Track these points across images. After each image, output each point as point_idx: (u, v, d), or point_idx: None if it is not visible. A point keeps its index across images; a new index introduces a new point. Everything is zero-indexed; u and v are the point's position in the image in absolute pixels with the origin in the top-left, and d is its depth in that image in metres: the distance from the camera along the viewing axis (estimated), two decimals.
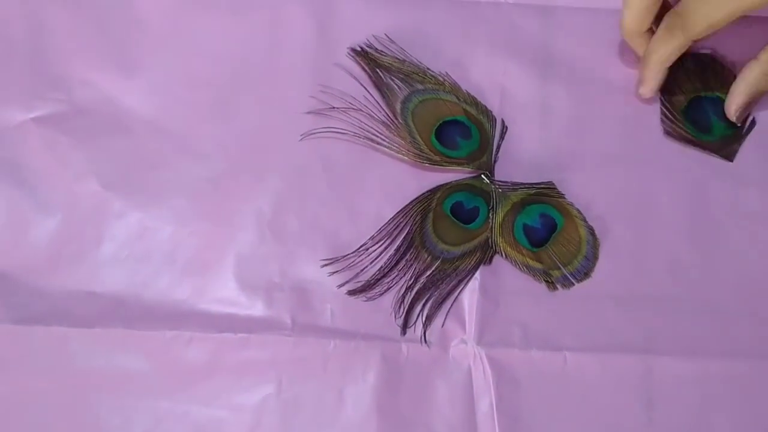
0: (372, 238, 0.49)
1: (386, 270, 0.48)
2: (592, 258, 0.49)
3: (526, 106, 0.51)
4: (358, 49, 0.51)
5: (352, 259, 0.49)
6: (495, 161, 0.50)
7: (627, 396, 0.48)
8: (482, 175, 0.50)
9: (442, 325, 0.48)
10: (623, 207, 0.50)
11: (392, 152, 0.50)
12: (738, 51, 0.51)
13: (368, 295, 0.48)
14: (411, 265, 0.49)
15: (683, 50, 0.47)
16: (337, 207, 0.50)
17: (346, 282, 0.48)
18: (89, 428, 0.46)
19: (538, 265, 0.49)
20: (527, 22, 0.52)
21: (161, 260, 0.49)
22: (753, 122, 0.51)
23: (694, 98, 0.51)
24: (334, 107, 0.50)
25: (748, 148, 0.51)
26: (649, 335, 0.48)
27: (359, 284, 0.48)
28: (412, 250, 0.49)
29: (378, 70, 0.51)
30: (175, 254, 0.49)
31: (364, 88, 0.51)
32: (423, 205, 0.49)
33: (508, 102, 0.51)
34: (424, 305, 0.48)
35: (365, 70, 0.51)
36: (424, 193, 0.49)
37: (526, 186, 0.50)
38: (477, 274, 0.49)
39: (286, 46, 0.52)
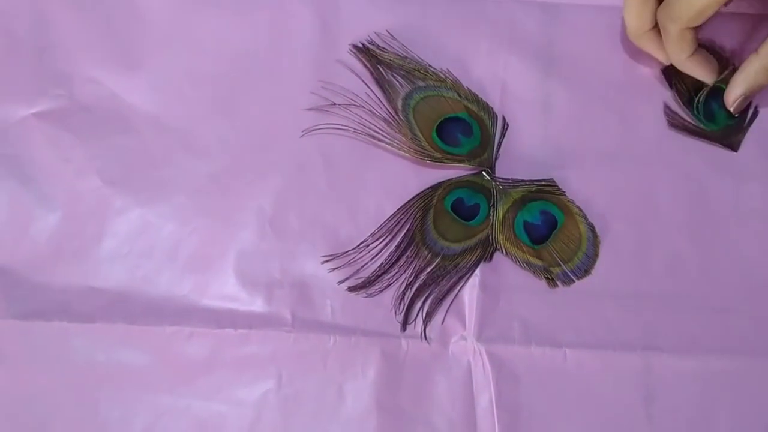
0: (372, 234, 0.49)
1: (387, 266, 0.49)
2: (592, 255, 0.49)
3: (527, 103, 0.51)
4: (360, 45, 0.51)
5: (353, 256, 0.49)
6: (496, 158, 0.50)
7: (627, 393, 0.48)
8: (483, 172, 0.50)
9: (442, 322, 0.48)
10: (624, 204, 0.50)
11: (393, 149, 0.50)
12: (738, 42, 0.52)
13: (369, 292, 0.48)
14: (411, 261, 0.49)
15: (687, 40, 0.47)
16: (338, 203, 0.50)
17: (347, 278, 0.48)
18: (90, 423, 0.46)
19: (538, 262, 0.49)
20: (529, 19, 0.52)
21: (162, 256, 0.49)
22: (756, 112, 0.51)
23: (697, 88, 0.51)
24: (335, 104, 0.50)
25: (749, 144, 0.51)
26: (649, 332, 0.49)
27: (360, 280, 0.48)
28: (412, 247, 0.49)
29: (379, 67, 0.51)
30: (177, 250, 0.49)
31: (366, 84, 0.51)
32: (424, 202, 0.49)
33: (509, 99, 0.51)
34: (424, 302, 0.48)
35: (367, 67, 0.51)
36: (424, 190, 0.50)
37: (527, 183, 0.50)
38: (477, 271, 0.49)
39: (288, 42, 0.52)
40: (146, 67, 0.51)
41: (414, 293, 0.48)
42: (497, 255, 0.49)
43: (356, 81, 0.51)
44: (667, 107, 0.51)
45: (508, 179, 0.50)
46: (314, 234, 0.49)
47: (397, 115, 0.50)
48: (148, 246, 0.49)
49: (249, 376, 0.47)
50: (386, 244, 0.49)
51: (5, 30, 0.51)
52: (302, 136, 0.50)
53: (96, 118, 0.50)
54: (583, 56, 0.52)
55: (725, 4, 0.44)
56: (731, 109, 0.50)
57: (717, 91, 0.50)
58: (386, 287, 0.49)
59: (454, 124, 0.50)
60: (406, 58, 0.51)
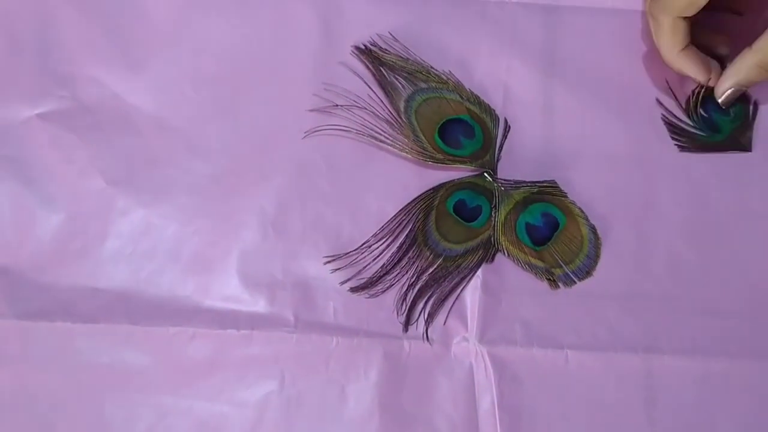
0: (375, 235, 0.49)
1: (389, 267, 0.49)
2: (594, 257, 0.49)
3: (529, 105, 0.51)
4: (363, 47, 0.52)
5: (355, 257, 0.49)
6: (498, 160, 0.50)
7: (628, 394, 0.48)
8: (485, 174, 0.50)
9: (444, 323, 0.49)
10: (625, 206, 0.50)
11: (395, 150, 0.50)
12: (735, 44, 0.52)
13: (371, 293, 0.48)
14: (413, 262, 0.49)
15: (680, 32, 0.47)
16: (340, 205, 0.50)
17: (349, 279, 0.49)
18: (93, 423, 0.46)
19: (540, 264, 0.49)
20: (531, 22, 0.52)
21: (165, 257, 0.49)
22: (756, 106, 0.51)
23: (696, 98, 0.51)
24: (337, 105, 0.51)
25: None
26: (650, 334, 0.49)
27: (362, 281, 0.49)
28: (414, 248, 0.49)
29: (382, 69, 0.51)
30: (179, 251, 0.49)
31: (368, 86, 0.51)
32: (426, 203, 0.49)
33: (511, 101, 0.51)
34: (426, 303, 0.48)
35: (369, 69, 0.51)
36: (426, 191, 0.50)
37: (529, 184, 0.50)
38: (479, 272, 0.49)
39: (291, 44, 0.52)
40: (149, 69, 0.51)
41: (416, 294, 0.48)
42: (499, 256, 0.49)
43: (358, 82, 0.51)
44: (671, 134, 0.51)
45: (510, 181, 0.50)
46: (316, 235, 0.49)
47: (400, 117, 0.50)
48: (151, 247, 0.49)
49: (251, 377, 0.47)
50: (388, 245, 0.49)
51: (9, 31, 0.51)
52: (304, 137, 0.51)
53: (99, 119, 0.50)
54: (585, 58, 0.52)
55: None
56: (720, 102, 0.49)
57: (712, 99, 0.50)
58: (388, 288, 0.49)
59: (457, 126, 0.50)
60: (408, 59, 0.51)
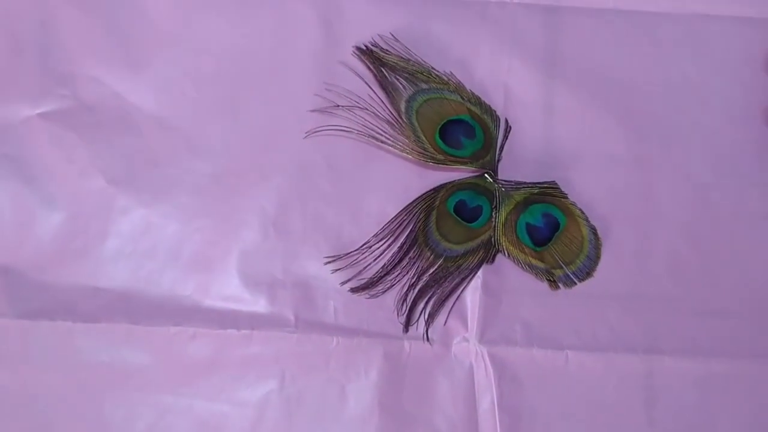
0: (375, 235, 0.49)
1: (389, 268, 0.49)
2: (594, 257, 0.49)
3: (530, 106, 0.51)
4: (363, 47, 0.52)
5: (356, 257, 0.49)
6: (498, 160, 0.50)
7: (628, 395, 0.48)
8: (486, 174, 0.50)
9: (445, 323, 0.49)
10: (626, 207, 0.50)
11: (396, 151, 0.50)
12: None
13: (371, 293, 0.49)
14: (414, 263, 0.49)
15: None
16: (341, 205, 0.50)
17: (349, 279, 0.49)
18: (93, 422, 0.46)
19: (540, 264, 0.49)
20: (532, 22, 0.52)
21: (165, 256, 0.49)
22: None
23: None
24: (338, 105, 0.51)
25: (750, 148, 0.51)
26: (650, 335, 0.49)
27: (362, 282, 0.49)
28: (415, 248, 0.49)
29: (383, 69, 0.51)
30: (180, 250, 0.49)
31: (369, 86, 0.51)
32: (426, 204, 0.49)
33: (512, 101, 0.51)
34: (426, 303, 0.49)
35: (370, 69, 0.51)
36: (427, 192, 0.50)
37: (530, 185, 0.50)
38: (479, 273, 0.49)
39: (292, 44, 0.52)
40: (150, 68, 0.51)
41: (416, 295, 0.48)
42: (499, 257, 0.49)
43: (359, 83, 0.51)
44: None
45: (511, 181, 0.50)
46: (317, 235, 0.49)
47: (400, 118, 0.50)
48: (151, 246, 0.49)
49: (252, 376, 0.47)
50: (389, 246, 0.49)
51: (10, 31, 0.51)
52: (305, 137, 0.51)
53: (100, 118, 0.50)
54: (586, 59, 0.52)
55: None
56: None
57: None
58: (389, 288, 0.49)
59: (457, 127, 0.50)
60: (409, 60, 0.51)
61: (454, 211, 0.50)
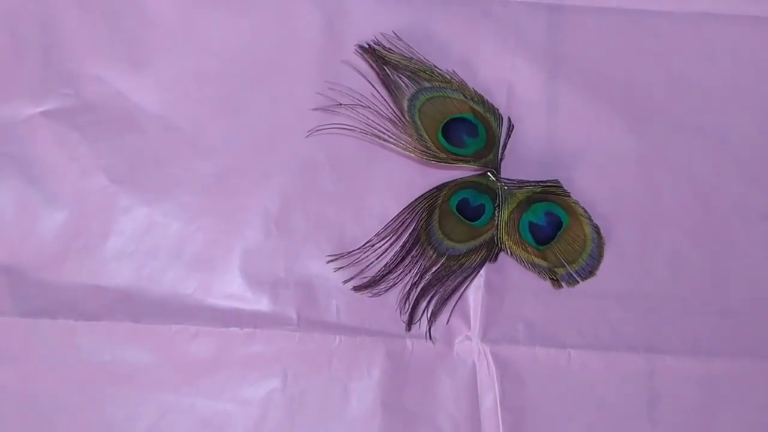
0: (378, 234, 0.49)
1: (392, 266, 0.49)
2: (597, 256, 0.49)
3: (532, 105, 0.51)
4: (366, 46, 0.51)
5: (358, 256, 0.49)
6: (501, 159, 0.50)
7: (630, 394, 0.48)
8: (488, 173, 0.50)
9: (447, 322, 0.49)
10: (629, 206, 0.50)
11: (399, 149, 0.50)
12: None
13: (374, 291, 0.49)
14: (416, 261, 0.49)
15: None
16: (343, 203, 0.50)
17: (352, 278, 0.49)
18: (95, 421, 0.47)
19: (543, 263, 0.49)
20: (535, 21, 0.52)
21: (168, 255, 0.49)
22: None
23: None
24: (341, 104, 0.51)
25: (753, 147, 0.51)
26: (653, 334, 0.49)
27: (365, 280, 0.49)
28: (417, 247, 0.49)
29: (385, 68, 0.51)
30: (182, 249, 0.49)
31: (372, 85, 0.51)
32: (429, 202, 0.49)
33: (515, 100, 0.51)
34: (429, 302, 0.48)
35: (373, 68, 0.51)
36: (430, 190, 0.50)
37: (532, 184, 0.50)
38: (482, 271, 0.49)
39: (295, 43, 0.52)
40: (153, 67, 0.51)
41: (419, 293, 0.48)
42: (502, 256, 0.49)
43: (362, 81, 0.51)
44: None
45: (513, 180, 0.50)
46: (319, 234, 0.49)
47: (403, 116, 0.50)
48: (153, 245, 0.49)
49: (254, 375, 0.47)
50: (391, 244, 0.49)
51: (12, 30, 0.51)
52: (308, 136, 0.51)
53: (102, 117, 0.50)
54: (589, 58, 0.52)
55: None
56: None
57: None
58: (391, 287, 0.49)
59: (460, 125, 0.50)
60: (411, 58, 0.51)
61: (457, 210, 0.50)
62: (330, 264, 0.49)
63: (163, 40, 0.51)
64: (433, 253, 0.49)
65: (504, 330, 0.48)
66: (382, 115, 0.50)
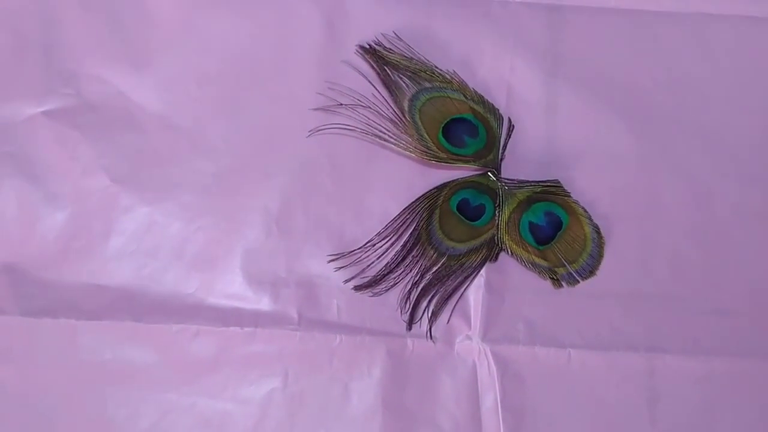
0: (378, 234, 0.49)
1: (392, 266, 0.49)
2: (597, 256, 0.50)
3: (532, 105, 0.51)
4: (367, 46, 0.52)
5: (359, 255, 0.49)
6: (501, 159, 0.50)
7: (631, 394, 0.48)
8: (489, 173, 0.50)
9: (448, 321, 0.49)
10: (628, 206, 0.50)
11: (399, 149, 0.50)
12: None
13: (374, 291, 0.49)
14: (417, 261, 0.49)
15: None
16: (344, 203, 0.50)
17: (353, 277, 0.49)
18: (96, 420, 0.47)
19: (543, 263, 0.49)
20: (534, 21, 0.52)
21: (169, 254, 0.49)
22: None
23: None
24: (341, 104, 0.51)
25: (753, 147, 0.51)
26: (653, 333, 0.49)
27: (365, 280, 0.49)
28: (418, 247, 0.49)
29: (386, 68, 0.51)
30: (183, 249, 0.49)
31: (372, 85, 0.51)
32: (429, 202, 0.50)
33: (514, 100, 0.52)
34: (429, 301, 0.49)
35: (373, 68, 0.51)
36: (430, 190, 0.50)
37: (532, 184, 0.50)
38: (483, 271, 0.49)
39: (295, 43, 0.52)
40: (154, 67, 0.51)
41: (419, 293, 0.49)
42: (502, 255, 0.49)
43: (362, 82, 0.51)
44: None
45: (514, 180, 0.50)
46: (320, 233, 0.49)
47: (404, 116, 0.50)
48: (154, 244, 0.49)
49: (255, 374, 0.47)
50: (392, 244, 0.49)
51: (14, 29, 0.51)
52: (308, 136, 0.51)
53: (103, 116, 0.50)
54: (589, 58, 0.52)
55: None
56: None
57: None
58: (392, 287, 0.49)
59: (460, 125, 0.51)
60: (412, 59, 0.51)
61: (457, 210, 0.50)
62: (331, 263, 0.49)
63: (164, 40, 0.52)
64: (434, 253, 0.49)
65: (504, 330, 0.48)
66: (382, 115, 0.50)
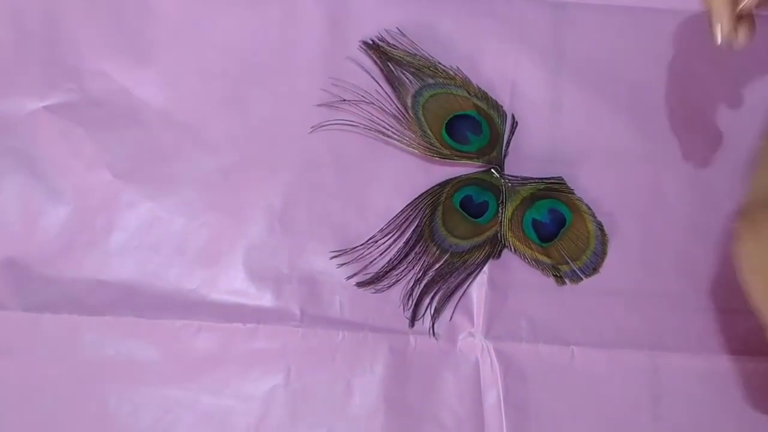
0: (381, 230, 0.49)
1: (395, 262, 0.49)
2: (600, 253, 0.49)
3: (536, 102, 0.51)
4: (370, 42, 0.52)
5: (361, 252, 0.49)
6: (505, 156, 0.50)
7: (633, 391, 0.48)
8: (492, 170, 0.50)
9: (450, 318, 0.49)
10: (632, 203, 0.50)
11: (402, 146, 0.50)
12: None
13: (377, 288, 0.49)
14: (420, 258, 0.49)
15: None
16: (347, 199, 0.50)
17: (355, 274, 0.49)
18: (98, 416, 0.46)
19: (546, 260, 0.49)
20: (539, 18, 0.52)
21: (171, 250, 0.49)
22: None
23: None
24: (345, 100, 0.51)
25: (755, 142, 0.51)
26: (656, 331, 0.49)
27: (368, 276, 0.49)
28: (421, 243, 0.49)
29: (389, 64, 0.51)
30: (186, 244, 0.49)
31: (376, 81, 0.51)
32: (432, 199, 0.49)
33: (518, 97, 0.51)
34: (432, 298, 0.48)
35: (377, 64, 0.51)
36: (433, 187, 0.50)
37: (536, 181, 0.50)
38: (485, 268, 0.49)
39: (299, 39, 0.52)
40: (157, 62, 0.51)
41: (422, 290, 0.48)
42: (505, 252, 0.49)
43: (366, 78, 0.51)
44: None
45: (517, 177, 0.50)
46: (323, 229, 0.49)
47: (407, 112, 0.50)
48: (157, 240, 0.49)
49: (257, 370, 0.47)
50: (395, 241, 0.49)
51: (17, 24, 0.51)
52: (311, 132, 0.51)
53: (106, 112, 0.50)
54: (593, 55, 0.52)
55: None
56: (719, 41, 0.40)
57: None
58: (394, 283, 0.49)
59: (464, 122, 0.50)
60: (415, 55, 0.51)
61: (461, 207, 0.50)
62: (333, 260, 0.49)
63: (168, 36, 0.52)
64: (437, 250, 0.49)
65: (507, 327, 0.48)
66: (385, 111, 0.50)
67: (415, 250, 0.49)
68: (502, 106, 0.51)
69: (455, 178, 0.50)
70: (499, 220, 0.50)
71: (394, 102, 0.51)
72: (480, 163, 0.50)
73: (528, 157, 0.51)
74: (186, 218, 0.49)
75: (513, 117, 0.51)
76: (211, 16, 0.52)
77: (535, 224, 0.50)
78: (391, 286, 0.49)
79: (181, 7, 0.52)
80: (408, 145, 0.50)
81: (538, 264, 0.49)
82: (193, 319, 0.48)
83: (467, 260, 0.49)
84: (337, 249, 0.49)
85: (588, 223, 0.50)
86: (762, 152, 0.41)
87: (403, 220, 0.49)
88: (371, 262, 0.49)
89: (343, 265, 0.49)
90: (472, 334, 0.48)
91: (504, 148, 0.50)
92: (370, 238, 0.49)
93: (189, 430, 0.46)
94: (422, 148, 0.50)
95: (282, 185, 0.50)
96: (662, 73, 0.52)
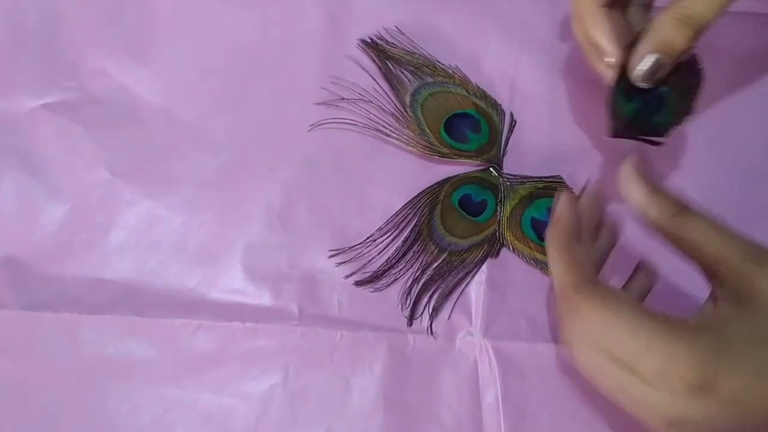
0: (380, 229, 0.49)
1: (394, 261, 0.49)
2: None
3: (535, 100, 0.51)
4: (369, 40, 0.51)
5: (360, 250, 0.49)
6: (504, 154, 0.50)
7: None
8: (491, 168, 0.50)
9: (449, 317, 0.49)
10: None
11: (401, 144, 0.50)
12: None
13: (375, 286, 0.49)
14: (418, 256, 0.49)
15: None
16: (346, 198, 0.50)
17: (354, 273, 0.49)
18: (98, 415, 0.46)
19: (545, 259, 0.49)
20: (538, 17, 0.52)
21: (171, 249, 0.49)
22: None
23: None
24: (344, 98, 0.51)
25: (756, 142, 0.51)
26: None
27: (367, 275, 0.49)
28: (419, 242, 0.49)
29: (388, 62, 0.51)
30: (185, 243, 0.49)
31: (374, 80, 0.51)
32: (431, 197, 0.49)
33: (518, 96, 0.51)
34: (430, 297, 0.49)
35: (375, 62, 0.51)
36: (432, 185, 0.50)
37: (535, 179, 0.50)
38: (484, 267, 0.49)
39: (298, 37, 0.52)
40: (156, 60, 0.51)
41: (421, 288, 0.48)
42: (504, 251, 0.49)
43: (365, 76, 0.51)
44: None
45: (516, 176, 0.50)
46: (322, 228, 0.49)
47: (406, 111, 0.50)
48: (156, 238, 0.49)
49: (256, 369, 0.47)
50: (393, 239, 0.49)
51: (16, 22, 0.51)
52: (311, 130, 0.51)
53: (105, 110, 0.50)
54: None
55: None
56: (636, 76, 0.41)
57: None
58: (393, 282, 0.49)
59: (463, 120, 0.50)
60: (414, 53, 0.51)
61: (459, 205, 0.50)
62: (332, 259, 0.49)
63: (167, 33, 0.51)
64: (435, 249, 0.49)
65: (506, 326, 0.48)
66: (384, 109, 0.50)
67: (414, 248, 0.49)
68: (501, 105, 0.51)
69: (454, 176, 0.50)
70: (498, 219, 0.50)
71: (392, 100, 0.51)
72: (479, 162, 0.50)
73: (527, 155, 0.51)
74: (185, 217, 0.49)
75: (512, 115, 0.51)
76: (210, 14, 0.52)
77: (534, 223, 0.50)
78: (389, 284, 0.49)
79: (180, 5, 0.52)
80: (407, 144, 0.50)
81: (536, 263, 0.49)
82: (192, 317, 0.48)
83: (466, 259, 0.49)
84: (336, 248, 0.49)
85: None
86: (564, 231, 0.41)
87: (402, 219, 0.49)
88: (369, 260, 0.49)
89: (342, 263, 0.49)
90: (470, 333, 0.48)
91: (503, 146, 0.50)
92: (369, 237, 0.49)
93: (188, 428, 0.46)
94: (421, 147, 0.50)
95: (281, 184, 0.50)
96: None
